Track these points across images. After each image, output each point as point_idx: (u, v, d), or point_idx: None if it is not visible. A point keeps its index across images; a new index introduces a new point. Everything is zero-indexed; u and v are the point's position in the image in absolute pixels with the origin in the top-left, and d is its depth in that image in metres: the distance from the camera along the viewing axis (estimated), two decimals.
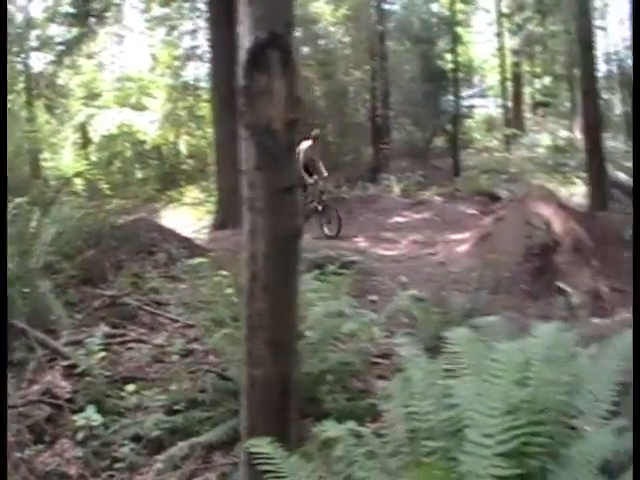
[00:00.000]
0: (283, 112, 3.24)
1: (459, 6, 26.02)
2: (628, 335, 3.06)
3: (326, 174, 15.68)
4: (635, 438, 2.44)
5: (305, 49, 22.43)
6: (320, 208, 15.42)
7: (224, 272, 5.67)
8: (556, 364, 2.79)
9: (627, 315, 8.74)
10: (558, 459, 2.41)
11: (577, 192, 17.80)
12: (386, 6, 24.55)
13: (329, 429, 2.88)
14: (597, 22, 23.63)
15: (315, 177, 15.42)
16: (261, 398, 3.38)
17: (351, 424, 2.91)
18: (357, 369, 5.18)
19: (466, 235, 12.94)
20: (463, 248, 11.93)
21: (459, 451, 2.35)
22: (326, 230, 15.13)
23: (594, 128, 14.54)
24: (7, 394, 4.54)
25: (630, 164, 19.73)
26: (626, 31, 28.02)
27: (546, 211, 11.18)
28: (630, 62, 27.13)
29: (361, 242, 14.08)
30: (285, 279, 3.37)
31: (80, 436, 4.49)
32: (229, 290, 5.31)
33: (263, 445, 2.77)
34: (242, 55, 3.25)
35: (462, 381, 2.74)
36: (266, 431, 3.01)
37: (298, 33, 21.63)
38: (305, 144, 15.14)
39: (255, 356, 3.34)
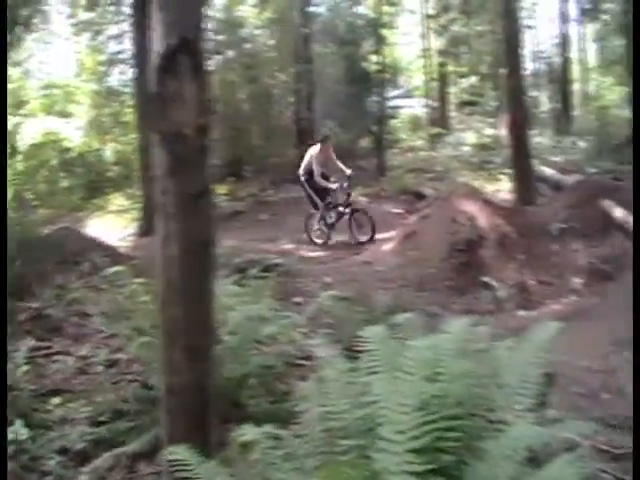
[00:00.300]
0: (194, 117, 3.24)
1: (384, 8, 26.13)
2: (546, 326, 3.11)
3: (349, 172, 14.03)
4: (635, 438, 2.49)
5: (230, 53, 22.30)
6: (348, 211, 13.86)
7: (141, 279, 5.62)
8: (469, 358, 2.83)
9: (554, 307, 8.98)
10: (476, 452, 2.44)
11: (503, 188, 18.09)
12: (311, 9, 24.50)
13: (247, 433, 2.87)
14: (525, 21, 24.05)
15: (337, 182, 13.87)
16: (179, 405, 3.37)
17: (269, 427, 2.90)
18: (279, 372, 5.20)
19: (392, 234, 12.95)
20: (388, 247, 11.95)
21: (373, 449, 2.37)
22: (357, 235, 13.65)
23: (519, 125, 14.75)
24: (7, 394, 4.52)
25: (557, 159, 20.34)
26: (555, 29, 28.84)
27: (471, 208, 11.29)
28: (558, 60, 27.98)
29: (286, 244, 13.96)
30: (200, 284, 3.36)
31: (9, 450, 4.43)
32: (146, 297, 5.27)
33: (181, 452, 2.75)
34: (154, 61, 3.25)
35: (376, 379, 2.76)
36: (186, 438, 3.00)
37: (222, 37, 21.58)
38: (314, 150, 13.97)
39: (172, 363, 3.33)
